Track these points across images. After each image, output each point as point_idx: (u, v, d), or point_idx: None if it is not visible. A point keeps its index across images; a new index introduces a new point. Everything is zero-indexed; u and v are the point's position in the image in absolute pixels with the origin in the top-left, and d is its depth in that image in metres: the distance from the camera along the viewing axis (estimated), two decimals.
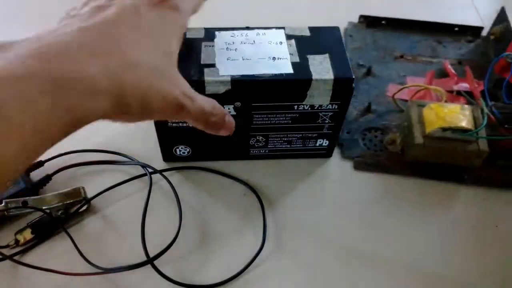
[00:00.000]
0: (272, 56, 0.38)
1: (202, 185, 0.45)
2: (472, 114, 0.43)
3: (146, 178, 0.44)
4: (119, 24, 0.24)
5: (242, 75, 0.37)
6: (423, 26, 0.60)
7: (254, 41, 0.40)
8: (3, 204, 0.39)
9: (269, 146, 0.45)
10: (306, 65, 0.38)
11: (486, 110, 0.44)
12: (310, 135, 0.44)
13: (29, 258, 0.39)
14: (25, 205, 0.40)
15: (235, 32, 0.40)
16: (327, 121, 0.42)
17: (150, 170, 0.44)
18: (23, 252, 0.39)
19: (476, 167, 0.44)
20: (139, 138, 0.47)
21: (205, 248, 0.40)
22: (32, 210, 0.40)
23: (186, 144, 0.44)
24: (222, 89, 0.37)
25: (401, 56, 0.56)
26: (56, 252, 0.39)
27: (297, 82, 0.38)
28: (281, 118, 0.41)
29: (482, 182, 0.45)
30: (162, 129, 0.42)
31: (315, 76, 0.37)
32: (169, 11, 0.27)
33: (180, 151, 0.44)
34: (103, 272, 0.37)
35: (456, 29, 0.59)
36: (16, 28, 0.57)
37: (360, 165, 0.46)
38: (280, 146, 0.45)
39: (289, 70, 0.37)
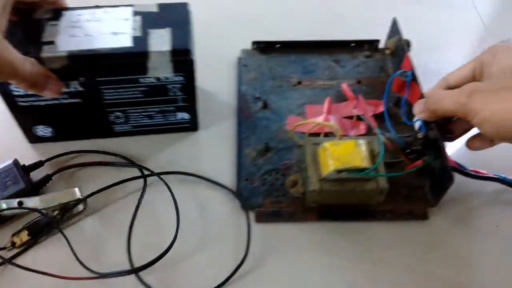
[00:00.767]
0: (114, 31, 0.40)
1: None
2: (368, 147, 0.40)
3: (148, 179, 0.44)
4: None
5: (80, 50, 0.38)
6: (319, 46, 0.56)
7: (100, 18, 0.41)
8: None
9: (131, 122, 0.46)
10: (146, 39, 0.40)
11: (382, 140, 0.41)
12: (167, 108, 0.45)
13: (23, 260, 0.39)
14: (21, 206, 0.40)
15: (84, 11, 0.42)
16: (179, 94, 0.44)
17: (146, 173, 0.44)
18: (18, 254, 0.39)
19: (380, 202, 0.42)
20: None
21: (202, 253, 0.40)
22: (28, 210, 0.40)
23: (46, 124, 0.44)
24: (59, 64, 0.38)
25: (299, 83, 0.53)
26: (51, 254, 0.39)
27: (135, 55, 0.39)
28: (132, 92, 0.43)
29: (389, 217, 0.42)
30: (13, 108, 0.42)
31: (152, 48, 0.39)
32: None
33: (42, 131, 0.45)
34: (99, 277, 0.37)
35: (353, 44, 0.56)
36: None
37: (261, 217, 0.42)
38: (142, 121, 0.46)
39: (128, 43, 0.39)
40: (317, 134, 0.46)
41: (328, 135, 0.45)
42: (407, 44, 0.50)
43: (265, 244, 0.41)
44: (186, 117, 0.47)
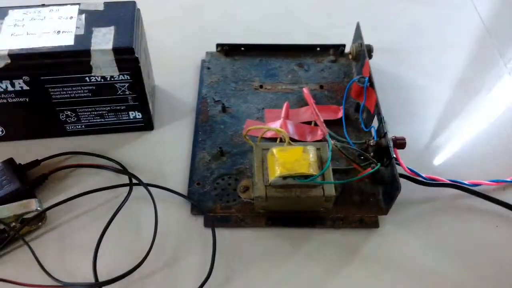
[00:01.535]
0: (57, 30, 0.40)
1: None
2: (318, 154, 0.40)
3: (139, 188, 0.43)
4: None
5: (21, 49, 0.38)
6: (284, 50, 0.56)
7: (45, 17, 0.41)
8: None
9: (83, 121, 0.46)
10: (89, 37, 0.40)
11: (330, 146, 0.40)
12: (118, 107, 0.45)
13: None
14: None
15: (30, 9, 0.42)
16: (128, 93, 0.43)
17: (135, 181, 0.43)
18: None
19: (330, 209, 0.41)
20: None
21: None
22: None
23: None
24: (1, 63, 0.38)
25: (261, 86, 0.52)
26: (16, 262, 0.39)
27: (76, 53, 0.39)
28: (79, 91, 0.42)
29: (339, 224, 0.42)
30: None
31: (94, 46, 0.39)
32: None
33: None
34: (61, 286, 0.37)
35: (318, 49, 0.56)
36: None
37: (210, 222, 0.41)
38: (94, 120, 0.46)
39: (70, 42, 0.39)
40: (275, 139, 0.46)
41: (283, 140, 0.44)
42: (369, 49, 0.50)
43: (218, 250, 0.40)
44: (139, 117, 0.47)
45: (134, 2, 0.44)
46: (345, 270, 0.39)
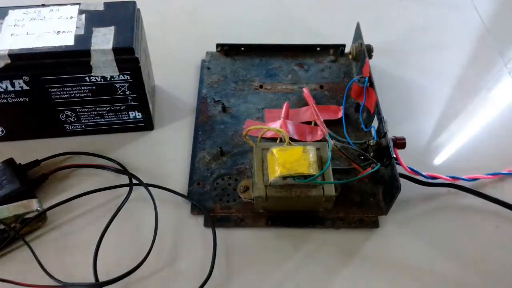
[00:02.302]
0: (57, 30, 0.40)
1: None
2: (318, 154, 0.40)
3: (139, 188, 0.43)
4: None
5: (21, 49, 0.38)
6: (284, 49, 0.56)
7: (45, 17, 0.41)
8: None
9: (82, 121, 0.46)
10: (89, 37, 0.40)
11: (330, 146, 0.40)
12: (118, 107, 0.45)
13: None
14: None
15: (30, 9, 0.42)
16: (128, 93, 0.43)
17: (135, 182, 0.43)
18: None
19: (329, 209, 0.41)
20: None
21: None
22: None
23: None
24: (1, 63, 0.38)
25: (261, 86, 0.52)
26: (16, 263, 0.39)
27: (76, 53, 0.39)
28: (79, 91, 0.42)
29: (339, 224, 0.41)
30: None
31: (94, 46, 0.39)
32: None
33: None
34: (61, 286, 0.37)
35: (318, 49, 0.56)
36: None
37: (210, 222, 0.41)
38: (94, 120, 0.46)
39: (70, 42, 0.39)
40: (275, 139, 0.46)
41: (283, 140, 0.44)
42: (369, 49, 0.50)
43: (218, 250, 0.40)
44: (139, 116, 0.47)
45: (134, 2, 0.44)
46: (345, 270, 0.39)
